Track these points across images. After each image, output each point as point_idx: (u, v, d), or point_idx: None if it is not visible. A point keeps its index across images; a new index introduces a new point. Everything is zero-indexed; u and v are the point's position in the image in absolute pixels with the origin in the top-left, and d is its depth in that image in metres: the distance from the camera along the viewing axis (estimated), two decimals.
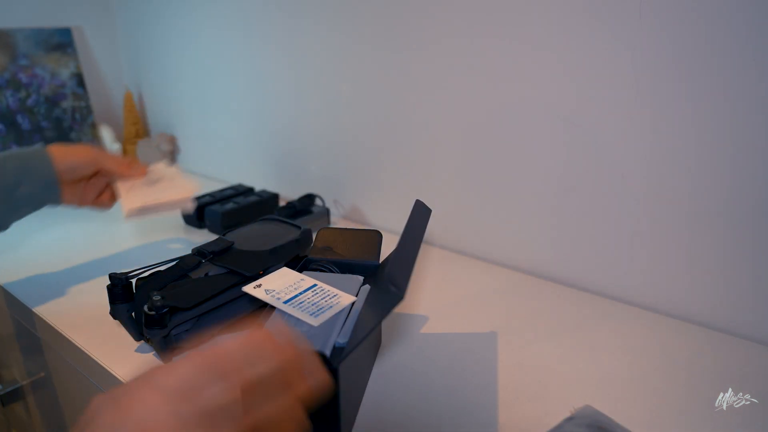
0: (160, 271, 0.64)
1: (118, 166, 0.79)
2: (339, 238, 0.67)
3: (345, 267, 0.63)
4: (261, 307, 0.66)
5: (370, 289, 0.59)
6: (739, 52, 0.60)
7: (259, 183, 1.22)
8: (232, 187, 1.11)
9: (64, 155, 0.74)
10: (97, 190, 0.81)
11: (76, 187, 0.79)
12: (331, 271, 0.63)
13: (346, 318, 0.54)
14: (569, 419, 0.50)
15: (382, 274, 0.55)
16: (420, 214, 0.55)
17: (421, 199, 0.59)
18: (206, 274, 0.64)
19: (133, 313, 0.62)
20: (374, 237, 0.66)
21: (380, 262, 0.65)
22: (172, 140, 1.43)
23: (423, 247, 0.92)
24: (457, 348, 0.64)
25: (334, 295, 0.54)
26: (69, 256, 0.89)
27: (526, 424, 0.52)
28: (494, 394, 0.56)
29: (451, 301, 0.75)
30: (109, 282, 0.63)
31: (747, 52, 0.60)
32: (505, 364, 0.61)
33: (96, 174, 0.79)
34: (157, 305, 0.57)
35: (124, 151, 1.49)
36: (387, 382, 0.58)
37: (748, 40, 0.59)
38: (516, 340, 0.66)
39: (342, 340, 0.50)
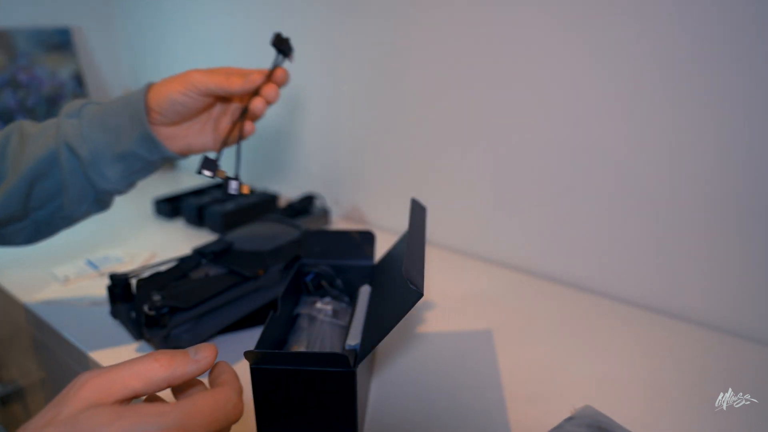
0: (160, 271, 0.64)
1: (231, 84, 0.58)
2: (331, 239, 0.65)
3: (340, 269, 0.63)
4: (260, 307, 0.66)
5: (372, 291, 0.59)
6: (749, 49, 0.60)
7: (260, 183, 1.22)
8: None
9: (157, 93, 0.58)
10: (220, 122, 0.64)
11: (189, 129, 0.62)
12: (328, 274, 0.62)
13: (351, 321, 0.54)
14: (569, 419, 0.50)
15: (389, 273, 0.55)
16: (418, 212, 0.55)
17: (419, 199, 0.59)
18: (206, 275, 0.64)
19: (133, 313, 0.62)
20: (367, 237, 0.65)
21: (375, 262, 0.64)
22: None
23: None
24: (457, 348, 0.64)
25: None
26: (69, 255, 0.89)
27: (526, 424, 0.52)
28: (495, 394, 0.56)
29: (451, 301, 0.75)
30: (109, 282, 0.63)
31: (756, 50, 0.60)
32: (506, 364, 0.61)
33: (209, 105, 0.62)
34: (157, 305, 0.57)
35: None
36: (387, 383, 0.58)
37: (755, 37, 0.59)
38: (516, 340, 0.66)
39: (353, 342, 0.49)
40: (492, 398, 0.55)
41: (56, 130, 0.58)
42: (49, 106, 1.34)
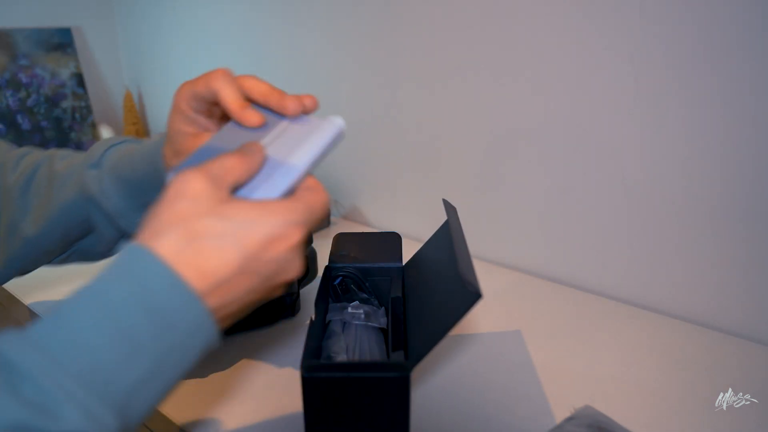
0: None
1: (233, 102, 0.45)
2: (357, 242, 0.65)
3: (368, 271, 0.62)
4: (261, 307, 0.65)
5: (409, 294, 0.57)
6: (745, 49, 0.60)
7: None
8: None
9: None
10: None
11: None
12: (356, 276, 0.61)
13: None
14: (569, 419, 0.50)
15: (430, 275, 0.53)
16: (452, 213, 0.55)
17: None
18: None
19: None
20: (393, 239, 0.65)
21: (403, 263, 0.63)
22: None
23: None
24: (456, 348, 0.64)
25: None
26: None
27: (527, 424, 0.52)
28: (494, 394, 0.56)
29: None
30: None
31: (752, 50, 0.60)
32: (506, 363, 0.61)
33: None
34: None
35: None
36: None
37: (751, 37, 0.59)
38: (516, 340, 0.66)
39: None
40: (492, 398, 0.55)
41: (80, 181, 0.54)
42: (50, 106, 1.34)
